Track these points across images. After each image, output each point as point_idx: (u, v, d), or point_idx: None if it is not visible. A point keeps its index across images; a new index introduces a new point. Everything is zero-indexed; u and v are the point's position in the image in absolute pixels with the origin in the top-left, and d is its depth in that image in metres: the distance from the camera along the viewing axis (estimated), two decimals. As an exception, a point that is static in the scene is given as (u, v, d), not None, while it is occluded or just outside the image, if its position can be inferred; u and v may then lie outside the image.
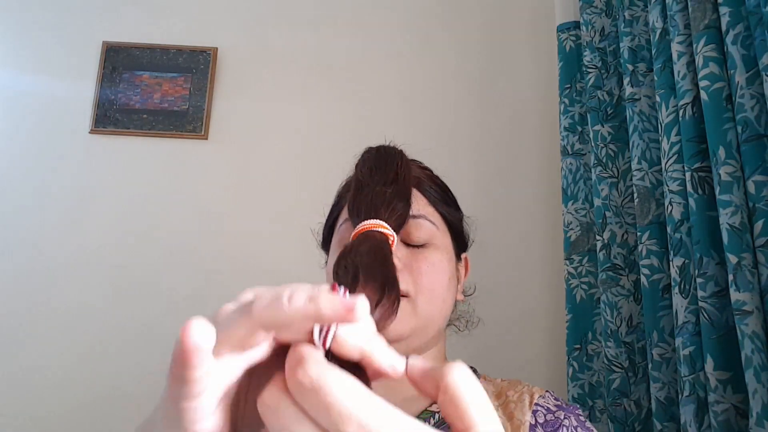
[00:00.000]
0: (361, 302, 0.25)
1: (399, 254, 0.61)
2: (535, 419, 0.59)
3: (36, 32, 1.44)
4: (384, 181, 0.53)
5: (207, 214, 1.35)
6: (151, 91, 1.41)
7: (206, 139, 1.39)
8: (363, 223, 0.46)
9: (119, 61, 1.42)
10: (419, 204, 0.65)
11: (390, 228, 0.46)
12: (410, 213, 0.61)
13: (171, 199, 1.36)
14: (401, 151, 0.62)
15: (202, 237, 1.33)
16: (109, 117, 1.39)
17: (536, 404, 0.60)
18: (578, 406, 0.78)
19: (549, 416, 0.59)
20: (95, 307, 1.28)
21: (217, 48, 1.44)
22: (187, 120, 1.39)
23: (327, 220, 0.73)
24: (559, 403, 0.62)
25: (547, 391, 0.64)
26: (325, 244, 0.73)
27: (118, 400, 1.21)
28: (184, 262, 1.31)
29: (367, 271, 0.37)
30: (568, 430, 0.57)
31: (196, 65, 1.42)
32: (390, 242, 0.45)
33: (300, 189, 1.35)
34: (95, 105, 1.39)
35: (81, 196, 1.35)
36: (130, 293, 1.29)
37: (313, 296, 0.25)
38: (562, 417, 0.59)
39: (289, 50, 1.46)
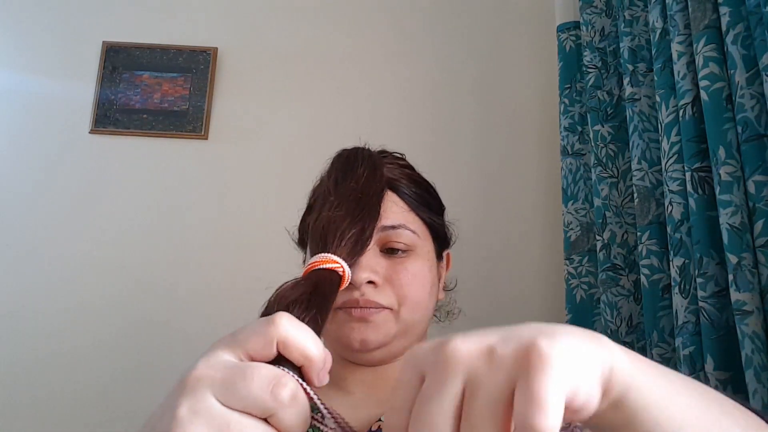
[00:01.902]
0: None
1: (378, 267, 0.61)
2: None
3: (36, 32, 1.44)
4: (341, 200, 0.53)
5: (207, 213, 1.35)
6: (151, 91, 1.41)
7: (206, 139, 1.39)
8: (312, 259, 0.47)
9: (119, 61, 1.42)
10: (398, 211, 0.65)
11: (340, 259, 0.46)
12: (389, 223, 0.62)
13: (171, 199, 1.36)
14: (371, 155, 0.62)
15: (202, 236, 1.33)
16: (109, 117, 1.39)
17: None
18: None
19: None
20: (95, 307, 1.27)
21: (217, 48, 1.44)
22: (187, 120, 1.39)
23: (302, 220, 0.76)
24: None
25: None
26: (302, 243, 0.76)
27: (119, 400, 1.21)
28: (185, 261, 1.31)
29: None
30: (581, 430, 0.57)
31: (196, 65, 1.42)
32: (339, 275, 0.46)
33: (301, 188, 1.34)
34: (95, 105, 1.39)
35: (81, 197, 1.35)
36: (131, 293, 1.29)
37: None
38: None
39: (289, 50, 1.46)
